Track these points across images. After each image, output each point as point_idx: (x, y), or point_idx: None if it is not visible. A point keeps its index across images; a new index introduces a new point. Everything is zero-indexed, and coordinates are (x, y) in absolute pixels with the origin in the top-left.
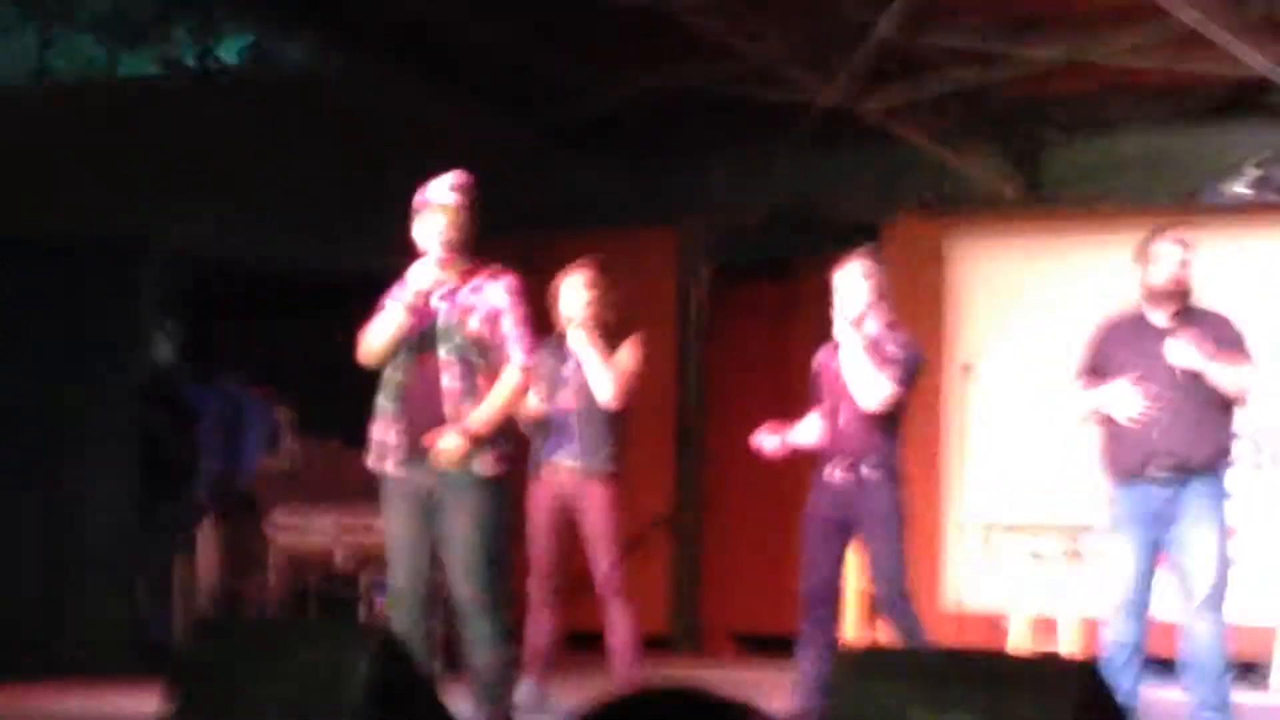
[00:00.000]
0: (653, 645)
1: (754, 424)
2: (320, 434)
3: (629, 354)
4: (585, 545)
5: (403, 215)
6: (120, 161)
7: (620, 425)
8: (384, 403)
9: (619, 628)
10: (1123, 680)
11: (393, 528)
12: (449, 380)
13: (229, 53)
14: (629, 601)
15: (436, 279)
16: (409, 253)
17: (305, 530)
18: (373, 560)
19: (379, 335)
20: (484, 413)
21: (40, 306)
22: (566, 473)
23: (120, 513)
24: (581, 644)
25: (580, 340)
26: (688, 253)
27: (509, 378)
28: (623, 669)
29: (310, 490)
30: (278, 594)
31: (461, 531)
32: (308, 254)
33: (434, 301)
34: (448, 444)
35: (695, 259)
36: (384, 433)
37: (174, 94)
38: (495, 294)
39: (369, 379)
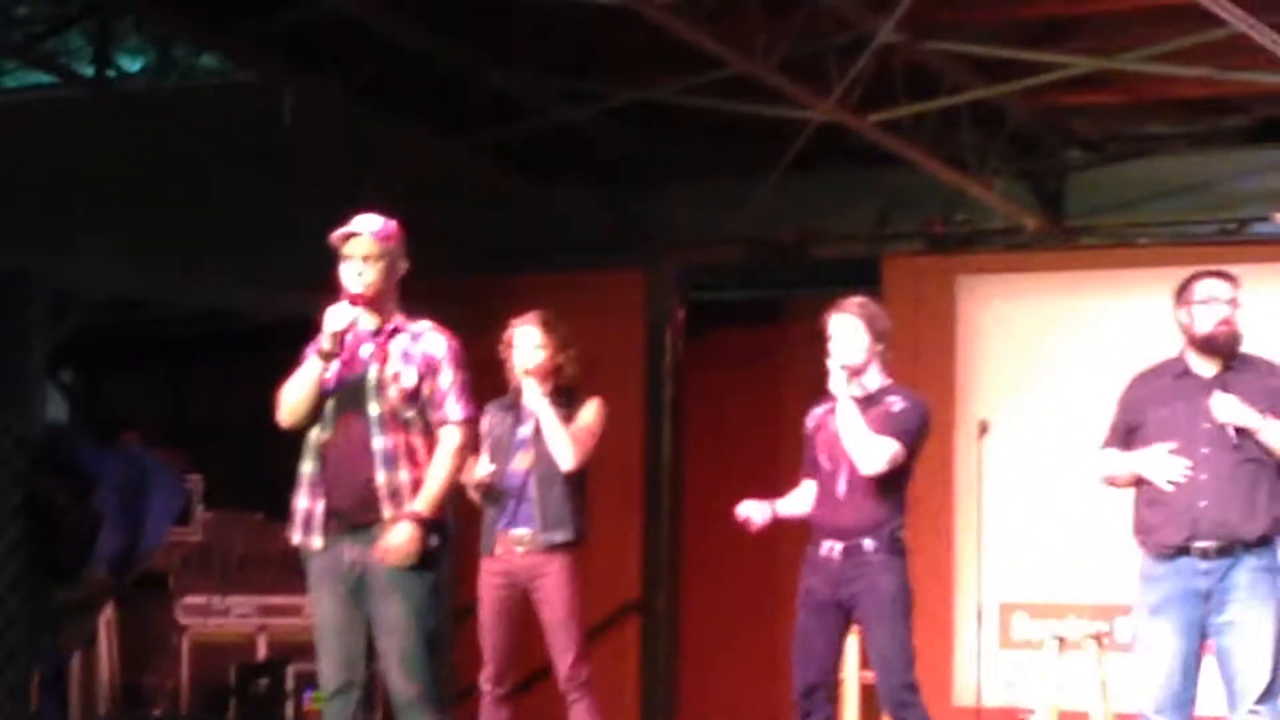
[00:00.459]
0: None
1: (736, 492)
2: (238, 504)
3: (592, 411)
4: (544, 632)
5: (332, 250)
6: (6, 186)
7: (583, 492)
8: (306, 467)
9: None
10: None
11: (321, 611)
12: (379, 441)
13: (131, 62)
14: (594, 698)
15: (351, 321)
16: (338, 294)
17: (222, 615)
18: (300, 649)
19: (295, 391)
20: (431, 489)
21: None
22: (522, 547)
23: (6, 596)
24: None
25: (536, 396)
26: (659, 291)
27: (450, 439)
28: None
29: (227, 569)
30: (190, 690)
31: (396, 618)
32: (222, 294)
33: (362, 353)
34: (399, 539)
35: (667, 299)
36: (308, 501)
37: (67, 108)
38: (433, 343)
39: (295, 440)
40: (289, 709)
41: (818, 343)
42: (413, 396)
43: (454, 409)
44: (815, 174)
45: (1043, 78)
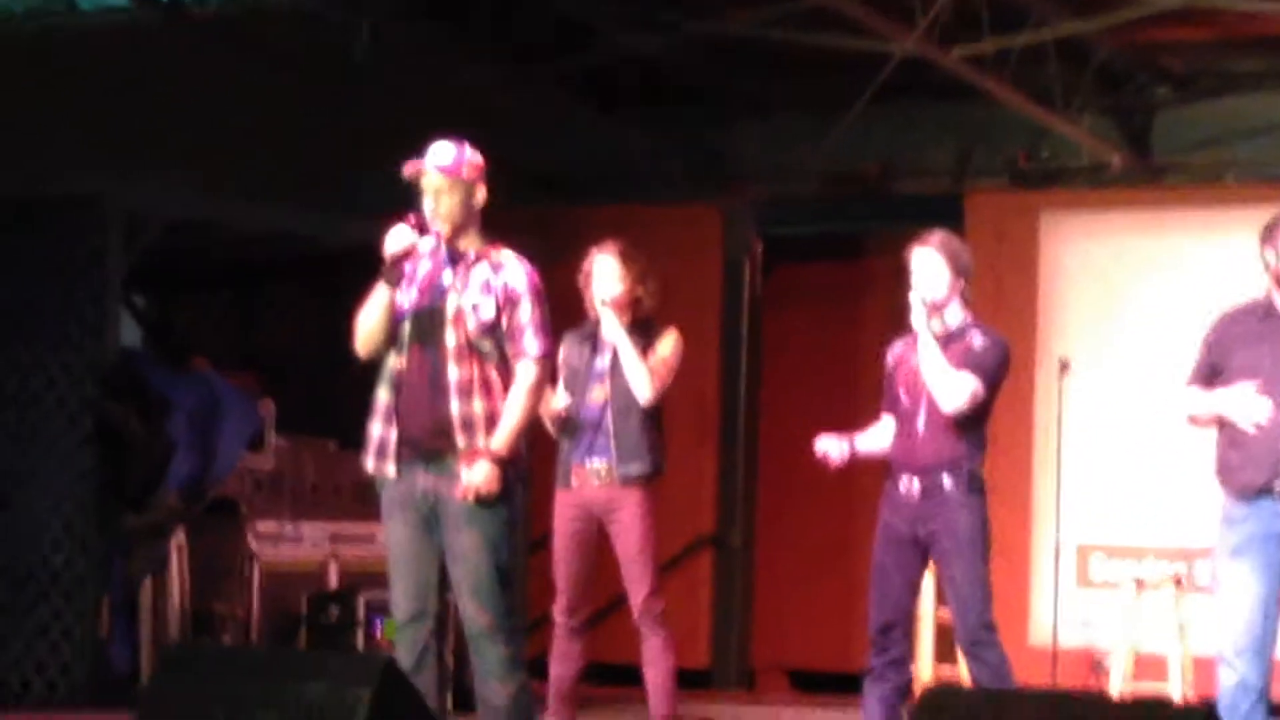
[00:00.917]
0: (694, 681)
1: (813, 428)
2: (311, 431)
3: (670, 344)
4: (618, 565)
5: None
6: (77, 111)
7: (659, 426)
8: (382, 395)
9: (656, 661)
10: None
11: (393, 540)
12: (454, 371)
13: None
14: (668, 631)
15: (410, 244)
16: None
17: (293, 543)
18: (371, 578)
19: (367, 318)
20: (508, 426)
21: None
22: (598, 480)
23: (78, 521)
24: (612, 678)
25: (614, 327)
26: (736, 226)
27: (527, 375)
28: (658, 708)
29: (298, 496)
30: (260, 618)
31: (469, 549)
32: (293, 219)
33: (441, 282)
34: (478, 477)
35: (745, 233)
36: (382, 429)
37: (141, 33)
38: (514, 275)
39: (367, 368)
40: (359, 638)
41: (897, 278)
42: (490, 329)
43: (532, 344)
44: (897, 109)
45: (1131, 12)
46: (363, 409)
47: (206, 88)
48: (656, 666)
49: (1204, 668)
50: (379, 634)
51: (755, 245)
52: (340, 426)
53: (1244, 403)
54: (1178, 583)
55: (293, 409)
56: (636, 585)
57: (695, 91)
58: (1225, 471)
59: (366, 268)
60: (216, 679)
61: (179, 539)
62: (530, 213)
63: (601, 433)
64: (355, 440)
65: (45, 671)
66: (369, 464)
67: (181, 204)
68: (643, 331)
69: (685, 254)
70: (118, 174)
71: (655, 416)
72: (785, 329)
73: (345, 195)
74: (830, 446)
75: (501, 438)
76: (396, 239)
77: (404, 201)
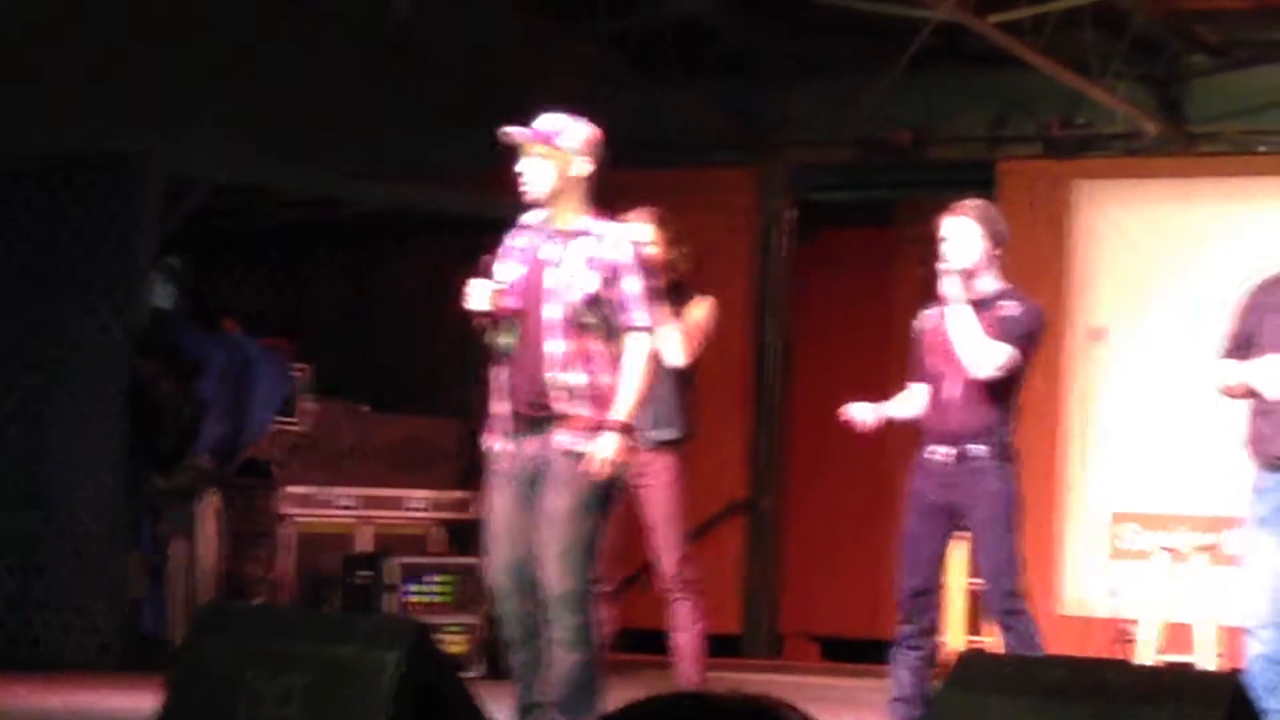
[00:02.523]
0: (722, 647)
1: (845, 394)
2: (344, 395)
3: (703, 309)
4: (648, 530)
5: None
6: (114, 68)
7: (692, 390)
8: (494, 372)
9: (685, 627)
10: (1270, 702)
11: (493, 513)
12: (557, 344)
13: None
14: (697, 597)
15: (490, 302)
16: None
17: (325, 506)
18: (402, 542)
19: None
20: (627, 397)
21: (14, 238)
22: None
23: (108, 481)
24: (641, 643)
25: None
26: (770, 191)
27: (638, 346)
28: (687, 673)
29: (331, 460)
30: (292, 580)
31: (564, 511)
32: (335, 182)
33: (543, 255)
34: (607, 449)
35: (779, 198)
36: (494, 405)
37: None
38: (618, 248)
39: (401, 332)
40: (390, 602)
41: (930, 245)
42: (594, 301)
43: (641, 316)
44: (932, 74)
45: None
46: (398, 372)
47: (250, 47)
48: (685, 632)
49: (1234, 638)
50: (409, 598)
51: (790, 210)
52: (376, 390)
53: (1273, 373)
54: (1208, 553)
55: (331, 373)
56: (666, 551)
57: (732, 56)
58: (1255, 442)
59: (408, 230)
60: (248, 639)
61: (212, 501)
62: None
63: None
64: (390, 403)
65: (75, 633)
66: (484, 441)
67: (225, 165)
68: (676, 296)
69: (720, 216)
70: (162, 135)
71: (688, 380)
72: (818, 294)
73: (389, 157)
74: (860, 412)
75: (623, 408)
76: (477, 297)
77: (445, 164)
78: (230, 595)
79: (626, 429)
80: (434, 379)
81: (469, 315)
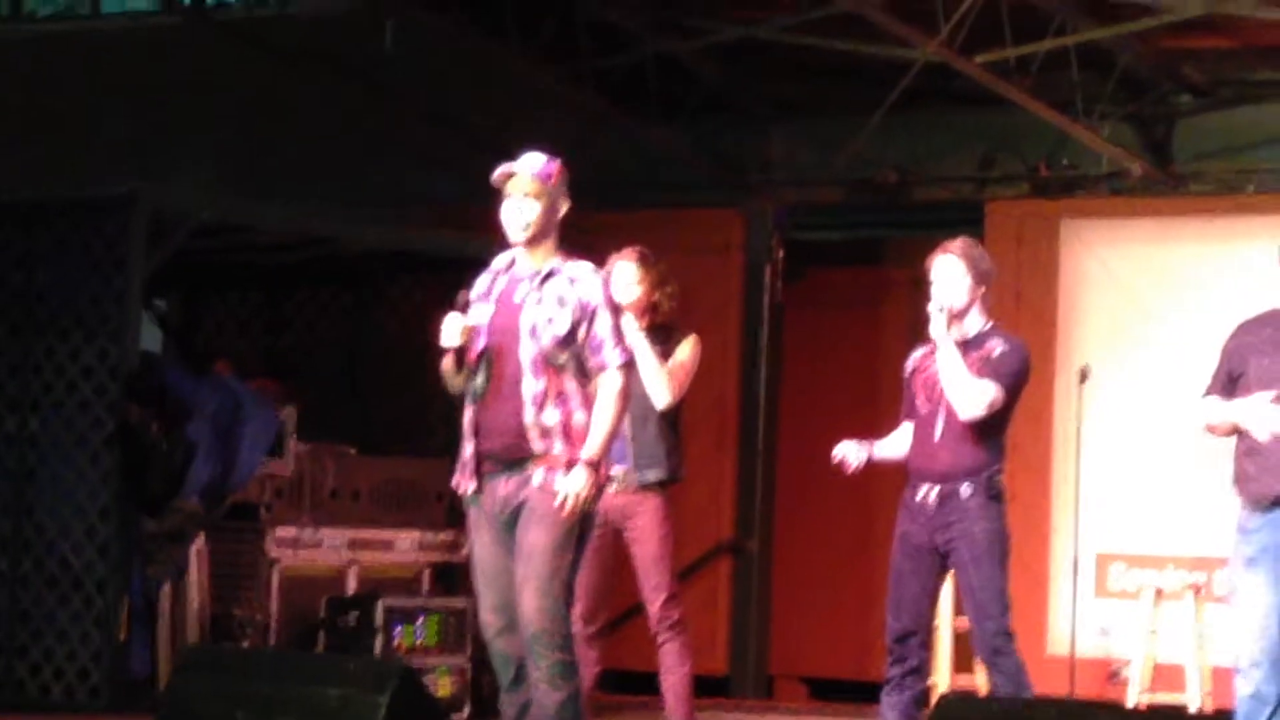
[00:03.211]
0: (711, 689)
1: (832, 434)
2: (332, 437)
3: (688, 349)
4: (635, 572)
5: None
6: (103, 112)
7: (677, 431)
8: (466, 414)
9: (673, 668)
10: None
11: (478, 556)
12: (530, 384)
13: None
14: (685, 637)
15: (465, 335)
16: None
17: (312, 548)
18: (390, 584)
19: (448, 377)
20: (598, 434)
21: (1, 279)
22: (615, 486)
23: (98, 525)
24: (627, 685)
25: (632, 332)
26: (758, 231)
27: (612, 383)
28: (677, 715)
29: (318, 502)
30: (279, 623)
31: (540, 547)
32: (318, 222)
33: (516, 297)
34: (575, 485)
35: (766, 238)
36: (466, 447)
37: (166, 33)
38: (589, 289)
39: (389, 374)
40: (378, 643)
41: (918, 285)
42: (566, 341)
43: (614, 354)
44: (919, 115)
45: (1153, 21)
46: (387, 414)
47: (232, 90)
48: (674, 673)
49: (1223, 678)
50: (397, 639)
51: (777, 250)
52: (362, 432)
53: (1259, 412)
54: (1197, 592)
55: (316, 414)
56: (654, 592)
57: (719, 96)
58: (1241, 481)
59: (390, 270)
60: (235, 681)
61: (199, 544)
62: None
63: (619, 438)
64: (377, 445)
65: (64, 676)
66: (456, 483)
67: (209, 207)
68: (661, 336)
69: (707, 256)
70: (146, 176)
71: (673, 421)
72: (806, 334)
73: (370, 197)
74: (849, 452)
75: (594, 445)
76: (450, 332)
77: (428, 204)
78: (218, 637)
79: (596, 465)
80: (421, 418)
81: (439, 353)
